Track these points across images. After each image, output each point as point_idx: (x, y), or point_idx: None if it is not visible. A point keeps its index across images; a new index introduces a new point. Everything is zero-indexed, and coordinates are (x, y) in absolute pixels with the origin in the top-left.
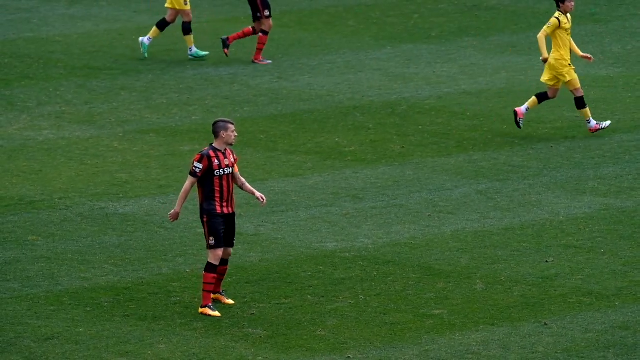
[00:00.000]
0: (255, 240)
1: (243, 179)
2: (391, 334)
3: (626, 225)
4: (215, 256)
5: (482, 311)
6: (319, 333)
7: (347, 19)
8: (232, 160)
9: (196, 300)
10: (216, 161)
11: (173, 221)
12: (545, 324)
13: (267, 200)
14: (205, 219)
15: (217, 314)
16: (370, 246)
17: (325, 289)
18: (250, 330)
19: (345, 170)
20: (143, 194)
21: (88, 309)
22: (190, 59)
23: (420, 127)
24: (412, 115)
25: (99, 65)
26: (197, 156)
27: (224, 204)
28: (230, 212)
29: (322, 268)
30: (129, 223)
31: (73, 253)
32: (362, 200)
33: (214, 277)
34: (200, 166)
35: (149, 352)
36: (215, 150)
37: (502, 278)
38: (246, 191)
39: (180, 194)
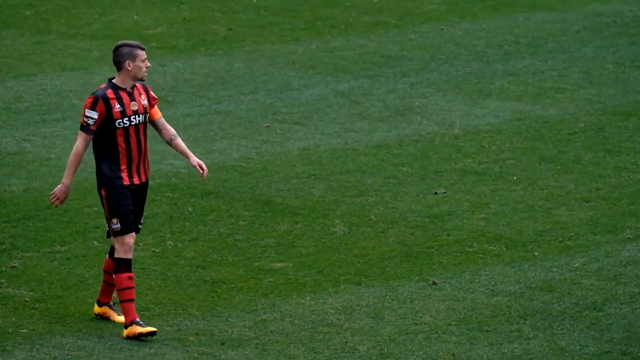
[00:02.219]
0: (18, 161)
1: (172, 130)
2: (213, 297)
3: (548, 142)
4: (124, 246)
5: (343, 264)
6: None
7: None
8: (146, 103)
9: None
10: (117, 106)
11: (59, 202)
12: (434, 283)
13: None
14: (103, 193)
15: (152, 329)
16: (183, 170)
17: None
18: (10, 290)
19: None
20: None
21: None
22: None
23: (254, 0)
24: None
25: None
26: (88, 100)
27: (133, 170)
28: (142, 180)
29: None
30: None
31: None
32: (171, 104)
33: (130, 278)
34: (95, 115)
35: None
36: (116, 89)
37: (372, 217)
38: (177, 150)
39: (70, 158)
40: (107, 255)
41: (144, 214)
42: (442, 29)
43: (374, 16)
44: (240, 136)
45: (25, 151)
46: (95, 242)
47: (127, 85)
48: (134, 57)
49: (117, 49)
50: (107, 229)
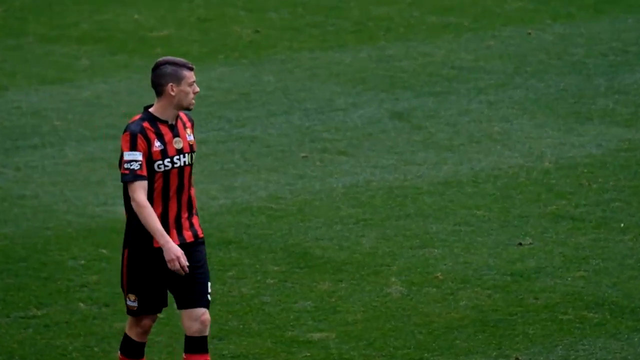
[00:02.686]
0: None
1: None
2: None
3: None
4: (138, 328)
5: (400, 335)
6: None
7: None
8: (192, 138)
9: None
10: (158, 143)
11: (180, 267)
12: None
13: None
14: (125, 255)
15: None
16: None
17: None
18: None
19: None
20: None
21: None
22: None
23: None
24: None
25: None
26: (124, 139)
27: (172, 227)
28: (187, 240)
29: None
30: None
31: None
32: None
33: None
34: (140, 156)
35: None
36: (154, 121)
37: (438, 274)
38: None
39: (144, 215)
40: (119, 353)
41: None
42: (529, 34)
43: (441, 17)
44: (270, 169)
45: None
46: (81, 305)
47: (169, 116)
48: (179, 80)
49: (157, 67)
50: (125, 304)
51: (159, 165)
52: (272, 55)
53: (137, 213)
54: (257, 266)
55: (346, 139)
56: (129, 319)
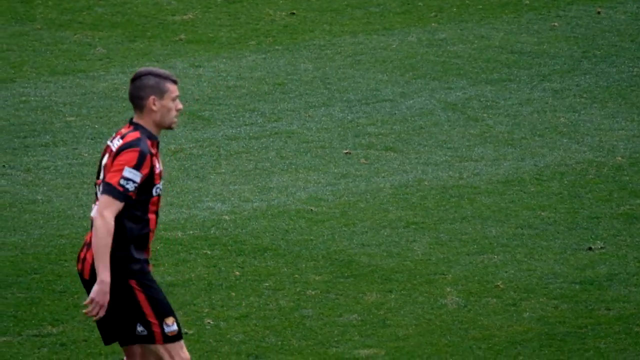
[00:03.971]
0: None
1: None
2: None
3: None
4: (182, 355)
5: (457, 351)
6: None
7: None
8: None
9: None
10: (158, 165)
11: (103, 310)
12: None
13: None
14: (135, 285)
15: None
16: (227, 217)
17: None
18: None
19: None
20: None
21: None
22: None
23: None
24: None
25: None
26: (131, 155)
27: (149, 248)
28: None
29: None
30: None
31: None
32: (209, 123)
33: None
34: (139, 178)
35: None
36: (150, 138)
37: (499, 283)
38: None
39: (100, 242)
40: None
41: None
42: (598, 13)
43: None
44: (309, 167)
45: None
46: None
47: (155, 133)
48: (162, 93)
49: (137, 78)
50: (156, 334)
51: (156, 188)
52: (310, 40)
53: (99, 232)
54: (297, 276)
55: (394, 133)
56: (165, 353)
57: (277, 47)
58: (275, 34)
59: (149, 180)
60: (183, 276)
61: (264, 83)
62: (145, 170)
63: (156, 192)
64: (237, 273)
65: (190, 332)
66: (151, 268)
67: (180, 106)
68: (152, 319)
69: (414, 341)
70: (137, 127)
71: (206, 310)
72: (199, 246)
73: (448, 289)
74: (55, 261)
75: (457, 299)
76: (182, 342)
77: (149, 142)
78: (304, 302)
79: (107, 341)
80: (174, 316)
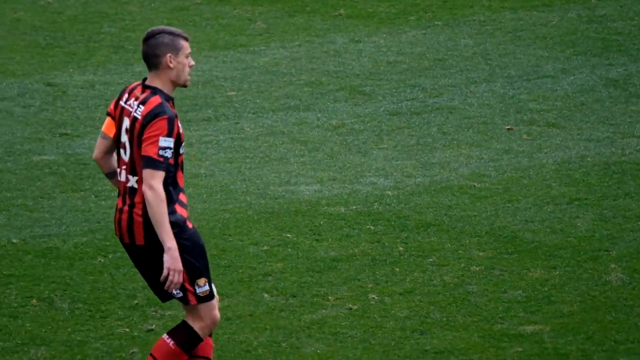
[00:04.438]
0: None
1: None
2: None
3: None
4: (210, 319)
5: (622, 328)
6: None
7: None
8: None
9: None
10: (179, 124)
11: (179, 281)
12: None
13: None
14: (184, 240)
15: None
16: (390, 193)
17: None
18: None
19: None
20: None
21: None
22: None
23: None
24: None
25: None
26: (161, 123)
27: (187, 206)
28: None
29: None
30: None
31: None
32: (370, 98)
33: None
34: (172, 144)
35: None
36: (169, 100)
37: None
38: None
39: (159, 211)
40: (170, 338)
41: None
42: None
43: None
44: (471, 143)
45: None
46: (265, 295)
47: (171, 92)
48: (177, 50)
49: (151, 36)
50: (189, 294)
51: (183, 147)
52: (470, 15)
53: (153, 204)
54: (461, 252)
55: (556, 109)
56: (195, 314)
57: (436, 22)
58: (435, 9)
59: (177, 141)
60: (347, 251)
61: (425, 58)
62: (175, 134)
63: (183, 150)
64: (401, 248)
65: (355, 307)
66: (190, 225)
67: (192, 63)
68: (185, 282)
69: (578, 318)
70: (154, 90)
71: (370, 285)
72: (362, 221)
73: (612, 266)
74: (219, 235)
75: (622, 275)
76: (213, 301)
77: (169, 104)
78: (468, 278)
79: (164, 299)
80: (207, 276)
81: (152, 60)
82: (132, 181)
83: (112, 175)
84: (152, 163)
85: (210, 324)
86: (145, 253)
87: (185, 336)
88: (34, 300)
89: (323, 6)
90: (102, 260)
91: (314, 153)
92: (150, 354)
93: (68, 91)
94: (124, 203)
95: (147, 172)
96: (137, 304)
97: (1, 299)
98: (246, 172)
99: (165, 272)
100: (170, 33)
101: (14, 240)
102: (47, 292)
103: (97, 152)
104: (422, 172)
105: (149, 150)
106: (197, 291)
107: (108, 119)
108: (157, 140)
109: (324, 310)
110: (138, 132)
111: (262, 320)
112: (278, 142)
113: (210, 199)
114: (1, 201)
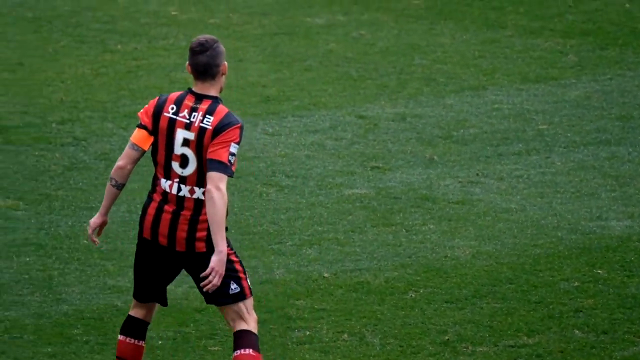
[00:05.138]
0: (463, 213)
1: None
2: None
3: None
4: (254, 313)
5: None
6: None
7: None
8: None
9: None
10: None
11: (219, 281)
12: None
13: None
14: (230, 250)
15: None
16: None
17: None
18: None
19: None
20: None
21: None
22: None
23: None
24: None
25: None
26: (236, 130)
27: None
28: None
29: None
30: None
31: None
32: None
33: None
34: (238, 150)
35: None
36: None
37: None
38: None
39: (220, 213)
40: (249, 349)
41: None
42: None
43: None
44: None
45: (473, 199)
46: (576, 332)
47: None
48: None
49: (211, 47)
50: (244, 290)
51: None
52: None
53: (219, 205)
54: None
55: None
56: (247, 309)
57: None
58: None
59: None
60: None
61: None
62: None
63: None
64: None
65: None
66: None
67: None
68: (241, 274)
69: None
70: (216, 99)
71: None
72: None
73: None
74: (529, 271)
75: None
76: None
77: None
78: None
79: (209, 301)
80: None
81: (213, 70)
82: (198, 193)
83: (122, 186)
84: (223, 167)
85: (256, 317)
86: (183, 259)
87: (255, 340)
88: (345, 335)
89: (635, 39)
90: (413, 295)
91: (625, 188)
92: None
93: (379, 124)
94: (167, 207)
95: (215, 175)
96: (447, 339)
97: (313, 333)
98: (557, 207)
99: (208, 270)
100: (219, 42)
101: (326, 274)
102: (358, 326)
103: (125, 161)
104: None
105: (220, 155)
106: (249, 284)
107: (142, 131)
108: (229, 146)
109: (634, 348)
110: (209, 141)
111: (574, 357)
112: (589, 176)
113: (520, 234)
114: (313, 235)
